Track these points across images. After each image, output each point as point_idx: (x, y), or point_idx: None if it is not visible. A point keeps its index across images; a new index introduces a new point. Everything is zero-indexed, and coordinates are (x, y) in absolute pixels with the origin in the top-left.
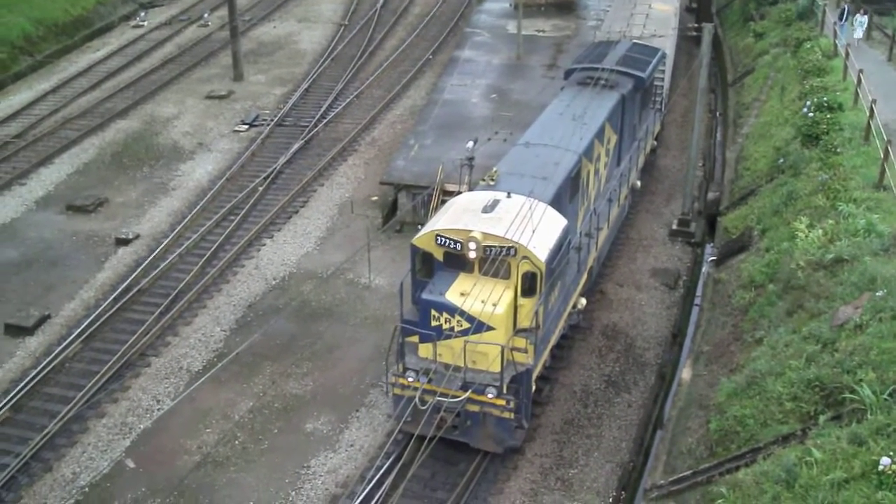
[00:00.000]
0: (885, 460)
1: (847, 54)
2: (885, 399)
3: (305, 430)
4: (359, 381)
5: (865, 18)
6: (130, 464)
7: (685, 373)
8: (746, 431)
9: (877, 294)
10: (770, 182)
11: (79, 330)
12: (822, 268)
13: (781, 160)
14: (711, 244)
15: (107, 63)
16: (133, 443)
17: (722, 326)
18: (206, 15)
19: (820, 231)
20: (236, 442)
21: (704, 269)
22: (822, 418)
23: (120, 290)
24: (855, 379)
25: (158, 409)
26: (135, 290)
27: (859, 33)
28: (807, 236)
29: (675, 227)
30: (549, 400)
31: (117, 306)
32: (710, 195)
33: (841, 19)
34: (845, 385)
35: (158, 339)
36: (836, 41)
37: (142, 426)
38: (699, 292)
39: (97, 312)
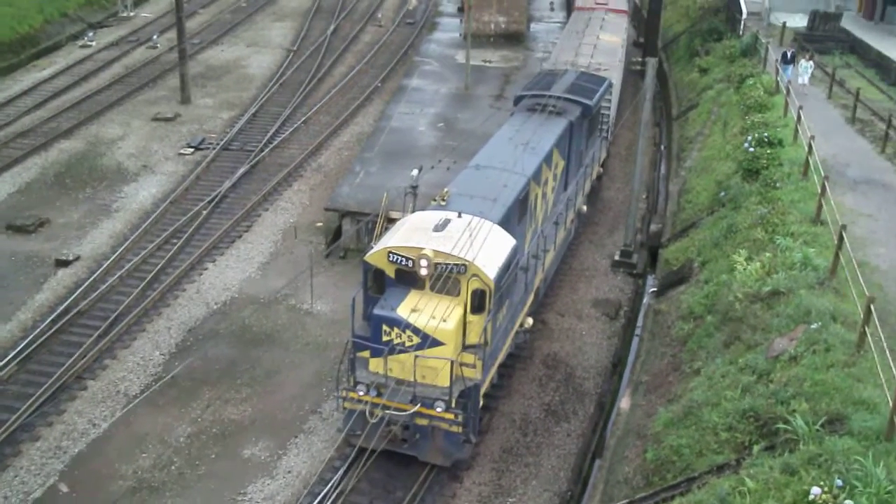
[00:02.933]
0: (815, 490)
1: (788, 91)
2: (818, 429)
3: (243, 455)
4: (298, 408)
5: (811, 64)
6: (64, 488)
7: (624, 402)
8: (682, 461)
9: (811, 326)
10: (711, 215)
11: (14, 352)
12: (759, 300)
13: (722, 194)
14: (653, 275)
15: (52, 82)
16: (67, 467)
17: (661, 357)
18: (155, 37)
19: (758, 264)
20: (173, 467)
21: (645, 300)
22: (756, 448)
23: (58, 311)
24: (788, 410)
25: (94, 433)
26: (73, 312)
27: (805, 79)
28: (745, 269)
29: (617, 258)
30: (488, 428)
31: (55, 328)
32: (653, 227)
33: (785, 62)
34: (779, 415)
35: (96, 362)
36: (778, 79)
37: (76, 450)
38: (640, 323)
39: (34, 334)
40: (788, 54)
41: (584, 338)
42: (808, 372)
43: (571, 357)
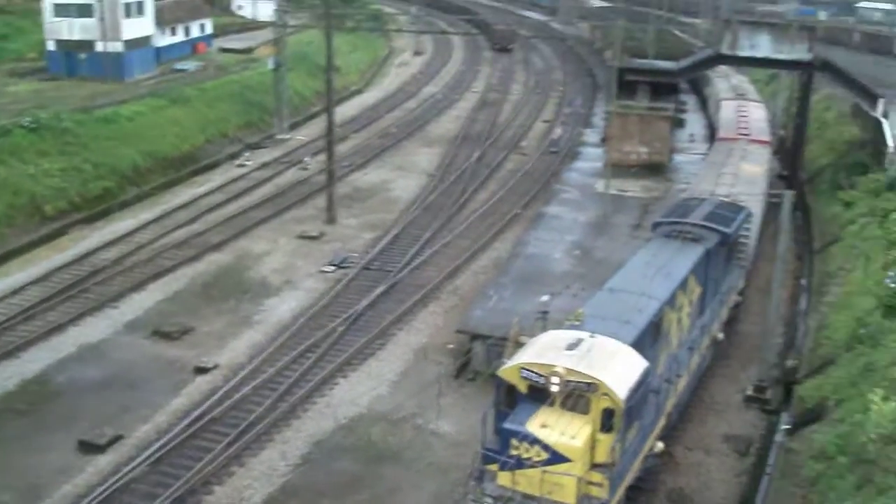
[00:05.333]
0: None
1: None
2: None
3: None
4: None
5: None
6: None
7: None
8: None
9: None
10: (849, 352)
11: (148, 452)
12: (893, 442)
13: (862, 331)
14: (787, 413)
15: (208, 198)
16: None
17: (790, 497)
18: (307, 158)
19: (895, 404)
20: None
21: (778, 437)
22: None
23: (193, 417)
24: None
25: None
26: (207, 418)
27: None
28: (881, 409)
29: (750, 392)
30: None
31: (188, 433)
32: (789, 363)
33: None
34: None
35: (223, 468)
36: None
37: None
38: (771, 461)
39: (168, 437)
40: None
41: (711, 473)
42: None
43: (697, 493)
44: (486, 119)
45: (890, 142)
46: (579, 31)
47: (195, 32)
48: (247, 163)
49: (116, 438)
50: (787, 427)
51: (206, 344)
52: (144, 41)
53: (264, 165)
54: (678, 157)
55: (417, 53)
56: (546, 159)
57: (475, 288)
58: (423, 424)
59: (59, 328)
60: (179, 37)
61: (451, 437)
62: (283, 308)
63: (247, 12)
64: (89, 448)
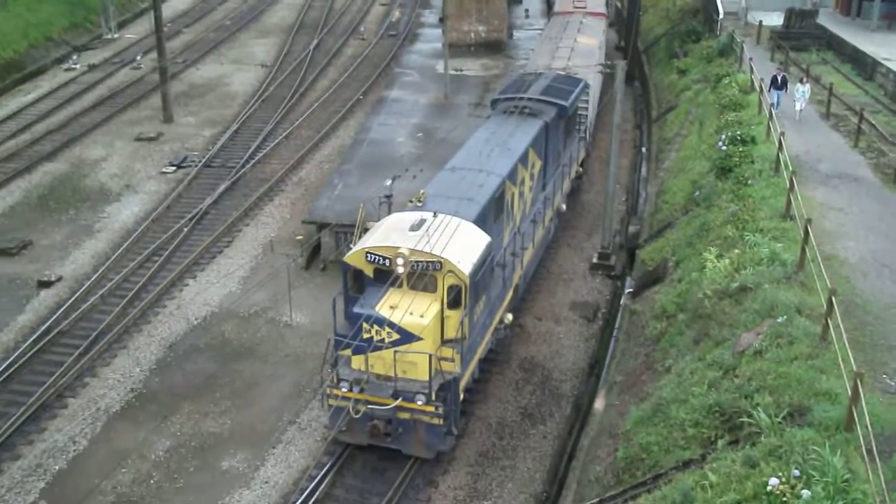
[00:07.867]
0: (773, 480)
1: (761, 89)
2: (779, 422)
3: (221, 467)
4: (277, 419)
5: (808, 88)
6: None
7: (598, 403)
8: (651, 458)
9: (777, 320)
10: (686, 214)
11: None
12: (727, 296)
13: (697, 193)
14: (630, 277)
15: (37, 106)
16: (48, 484)
17: (635, 357)
18: (138, 57)
19: (727, 261)
20: (151, 482)
21: (623, 301)
22: (720, 443)
23: (40, 332)
24: (752, 403)
25: (75, 450)
26: (55, 331)
27: (801, 105)
28: (715, 266)
29: (595, 260)
30: (464, 433)
31: (36, 348)
32: (631, 228)
33: (775, 87)
34: (743, 410)
35: (77, 380)
36: (770, 110)
37: (57, 467)
38: (617, 324)
39: (15, 355)
40: (779, 78)
41: (561, 341)
42: (771, 365)
43: (548, 360)
44: (323, 5)
45: (721, 9)
46: None
47: None
48: (75, 66)
49: None
50: (631, 290)
51: (48, 257)
52: None
53: (94, 68)
54: (517, 34)
55: None
56: (385, 43)
57: (321, 178)
58: (276, 318)
59: None
60: None
61: (306, 328)
62: (125, 213)
63: None
64: None
